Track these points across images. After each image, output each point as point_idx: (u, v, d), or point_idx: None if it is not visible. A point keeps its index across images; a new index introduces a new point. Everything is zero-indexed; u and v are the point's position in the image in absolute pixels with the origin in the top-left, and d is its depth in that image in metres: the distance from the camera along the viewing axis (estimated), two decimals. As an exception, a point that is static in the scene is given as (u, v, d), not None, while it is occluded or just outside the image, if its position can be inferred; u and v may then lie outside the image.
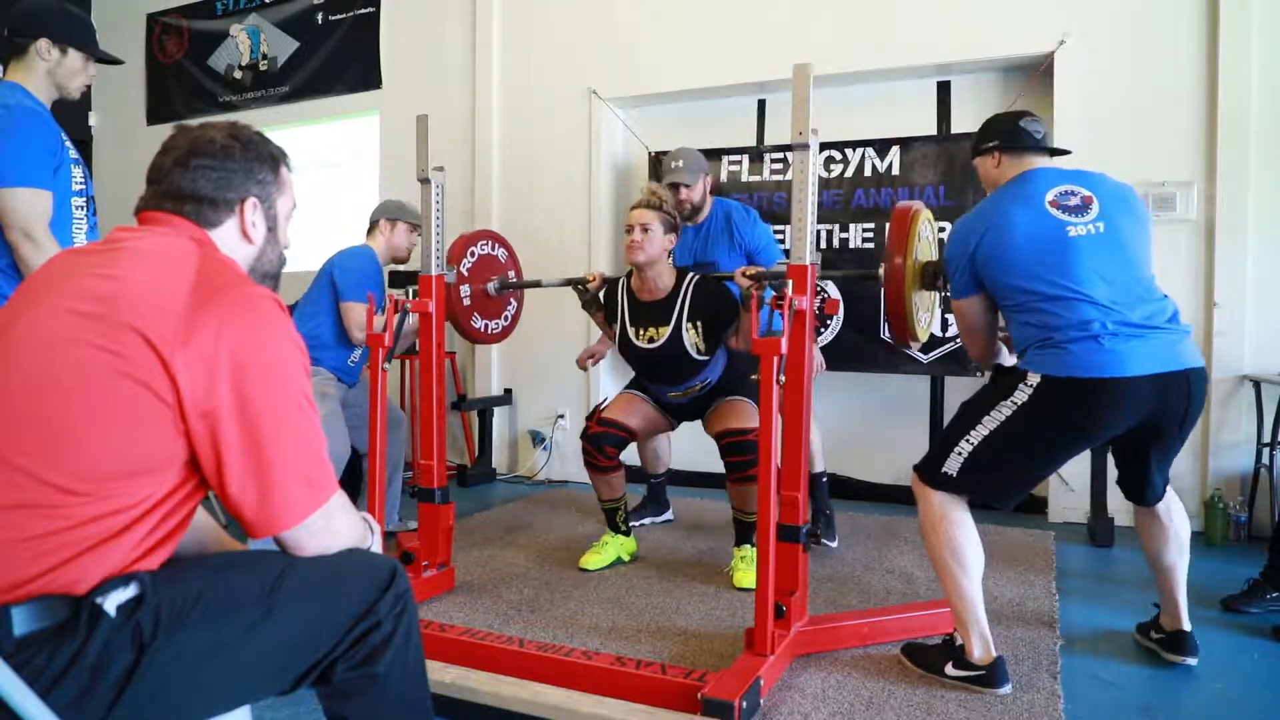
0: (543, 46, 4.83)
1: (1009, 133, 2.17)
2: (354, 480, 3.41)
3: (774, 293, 2.11)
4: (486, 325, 3.19)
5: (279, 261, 1.34)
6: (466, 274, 3.05)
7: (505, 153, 4.95)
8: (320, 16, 5.53)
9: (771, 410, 2.04)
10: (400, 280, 4.35)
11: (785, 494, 2.12)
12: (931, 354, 3.92)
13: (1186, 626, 2.16)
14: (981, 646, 2.01)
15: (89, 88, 2.35)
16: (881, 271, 2.27)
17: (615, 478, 3.01)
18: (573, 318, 4.29)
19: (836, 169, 4.14)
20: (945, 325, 3.79)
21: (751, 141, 4.45)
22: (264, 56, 5.76)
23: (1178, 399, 1.97)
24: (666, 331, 2.88)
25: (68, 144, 2.20)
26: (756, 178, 4.30)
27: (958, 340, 3.71)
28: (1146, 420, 1.98)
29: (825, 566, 3.01)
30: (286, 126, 5.61)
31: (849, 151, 4.12)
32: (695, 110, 4.62)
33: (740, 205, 3.40)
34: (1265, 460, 3.38)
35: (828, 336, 4.05)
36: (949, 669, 2.04)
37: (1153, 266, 2.06)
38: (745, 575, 2.75)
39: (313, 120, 5.68)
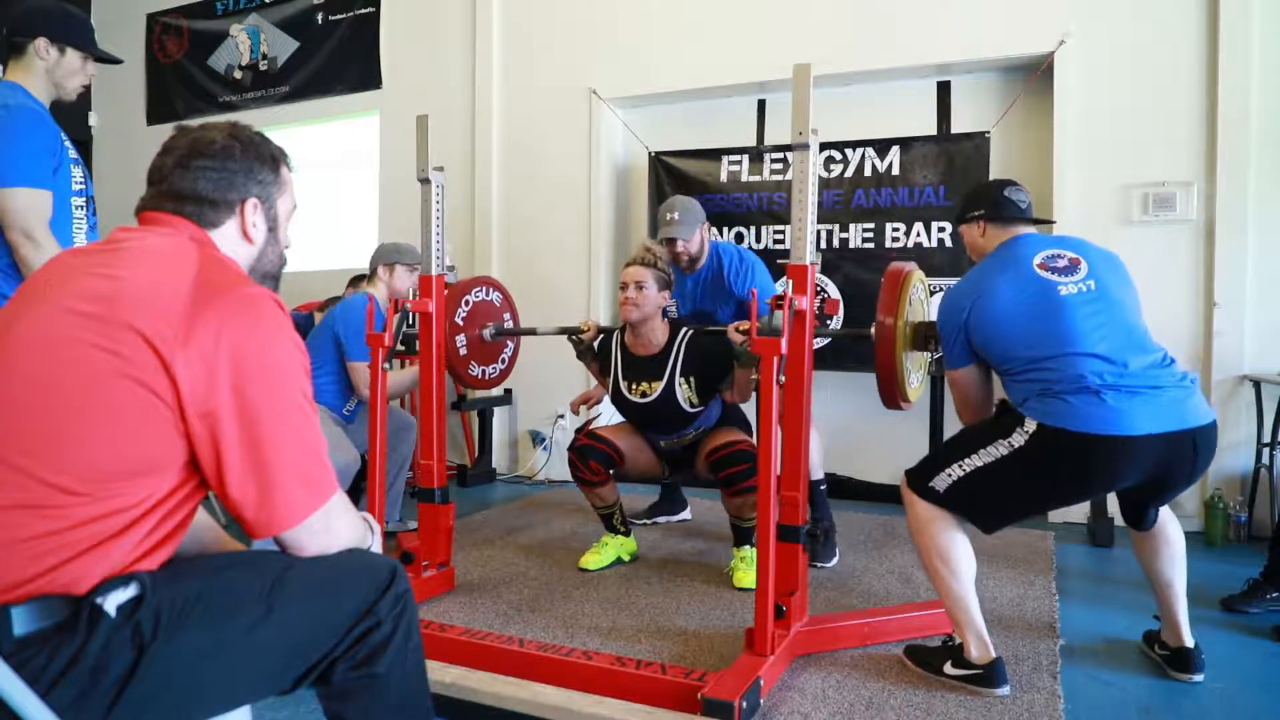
0: (543, 47, 4.83)
1: (994, 203, 2.18)
2: (361, 481, 3.40)
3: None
4: (484, 371, 3.22)
5: (280, 262, 1.34)
6: (462, 323, 3.06)
7: (505, 153, 4.95)
8: (320, 16, 5.53)
9: (772, 410, 2.04)
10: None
11: (785, 494, 2.12)
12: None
13: (1189, 643, 2.11)
14: (978, 646, 2.01)
15: (89, 88, 2.35)
16: (873, 332, 2.23)
17: (605, 489, 2.99)
18: (573, 318, 4.27)
19: (836, 169, 4.15)
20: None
21: (751, 141, 4.45)
22: (264, 56, 5.76)
23: (1183, 458, 1.91)
24: (659, 387, 2.88)
25: (67, 144, 2.19)
26: (756, 178, 4.30)
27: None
28: (1152, 477, 1.94)
29: (825, 566, 3.02)
30: (286, 126, 5.62)
31: (849, 151, 4.13)
32: (695, 110, 4.63)
33: (736, 251, 3.30)
34: (1265, 460, 3.38)
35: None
36: (948, 668, 2.04)
37: (1142, 318, 2.04)
38: (745, 575, 2.76)
39: (313, 120, 5.68)
